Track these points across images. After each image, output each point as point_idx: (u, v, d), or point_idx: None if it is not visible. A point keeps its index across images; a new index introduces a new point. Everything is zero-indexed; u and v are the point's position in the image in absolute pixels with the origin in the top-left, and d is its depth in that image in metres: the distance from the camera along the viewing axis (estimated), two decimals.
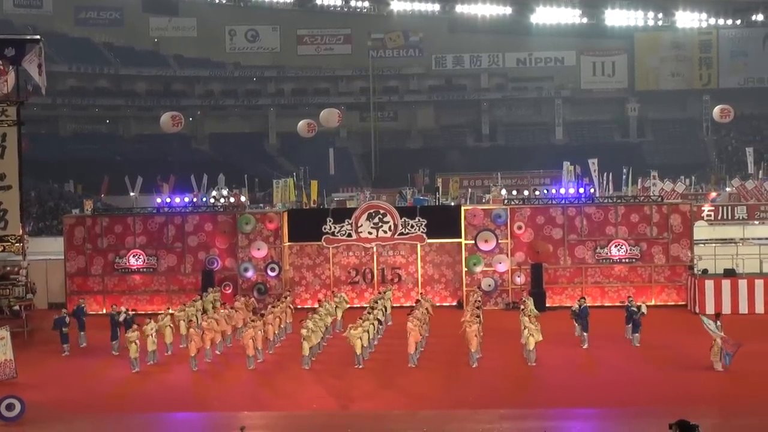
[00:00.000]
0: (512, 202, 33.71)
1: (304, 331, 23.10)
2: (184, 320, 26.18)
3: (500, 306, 32.70)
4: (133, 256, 33.79)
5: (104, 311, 31.32)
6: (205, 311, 28.35)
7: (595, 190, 37.96)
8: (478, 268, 32.77)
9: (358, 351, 22.92)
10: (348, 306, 29.16)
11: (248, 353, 23.17)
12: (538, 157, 63.18)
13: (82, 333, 27.37)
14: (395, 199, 38.05)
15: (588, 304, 26.33)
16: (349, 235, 33.23)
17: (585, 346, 24.78)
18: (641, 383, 21.38)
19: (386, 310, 28.27)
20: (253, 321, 24.33)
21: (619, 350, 24.84)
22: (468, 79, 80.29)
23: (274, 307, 27.29)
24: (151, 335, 24.22)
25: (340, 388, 21.32)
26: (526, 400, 20.39)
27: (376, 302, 27.62)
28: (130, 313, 26.44)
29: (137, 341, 23.48)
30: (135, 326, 24.35)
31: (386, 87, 79.71)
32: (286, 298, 29.46)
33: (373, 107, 76.50)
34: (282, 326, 27.09)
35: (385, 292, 30.29)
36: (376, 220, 33.18)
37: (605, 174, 42.88)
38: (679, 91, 78.10)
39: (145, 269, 33.79)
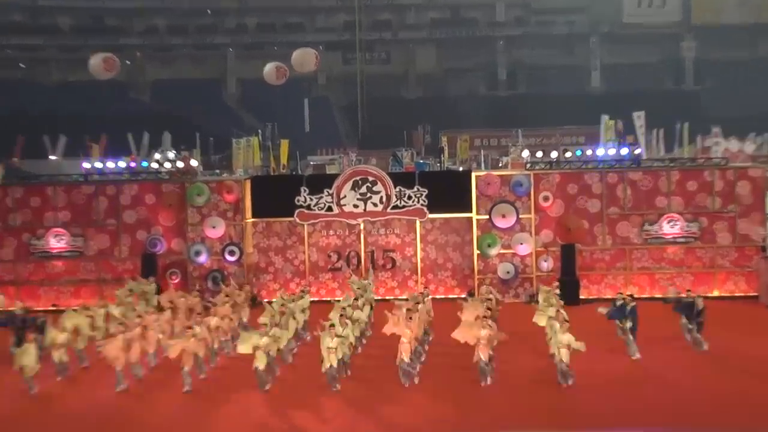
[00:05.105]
0: (537, 167, 33.51)
1: (261, 341, 22.10)
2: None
3: (522, 299, 32.60)
4: (54, 237, 33.66)
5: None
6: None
7: (641, 151, 37.63)
8: (494, 251, 32.63)
9: (329, 364, 21.83)
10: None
11: (183, 367, 22.29)
12: (569, 110, 62.87)
13: None
14: (388, 164, 37.73)
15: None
16: (330, 209, 33.13)
17: (636, 356, 24.25)
18: (704, 402, 20.86)
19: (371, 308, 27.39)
20: (190, 327, 23.34)
21: (674, 356, 24.43)
22: (479, 10, 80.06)
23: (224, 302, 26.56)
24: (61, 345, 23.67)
25: (306, 421, 20.50)
26: (553, 429, 19.85)
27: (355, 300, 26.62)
28: (37, 317, 25.68)
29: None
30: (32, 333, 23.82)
31: (376, 21, 79.40)
32: (241, 289, 28.85)
33: (359, 46, 76.02)
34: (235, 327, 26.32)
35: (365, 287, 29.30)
36: (364, 189, 33.07)
37: (654, 130, 42.68)
38: (747, 25, 77.78)
39: (69, 253, 33.66)
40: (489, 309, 24.14)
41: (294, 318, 25.30)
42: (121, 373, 22.48)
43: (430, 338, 25.45)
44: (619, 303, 24.93)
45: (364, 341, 25.78)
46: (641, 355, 24.09)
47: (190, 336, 22.63)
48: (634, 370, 23.54)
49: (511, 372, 23.03)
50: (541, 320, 24.28)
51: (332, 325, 22.17)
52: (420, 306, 24.83)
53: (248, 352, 22.10)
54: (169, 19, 79.11)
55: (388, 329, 23.63)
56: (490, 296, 26.89)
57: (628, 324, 24.44)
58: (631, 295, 25.45)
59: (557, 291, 27.02)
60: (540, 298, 26.63)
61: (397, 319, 23.49)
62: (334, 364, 21.70)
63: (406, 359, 21.91)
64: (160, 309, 27.43)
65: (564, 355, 21.59)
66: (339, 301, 25.61)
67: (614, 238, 32.78)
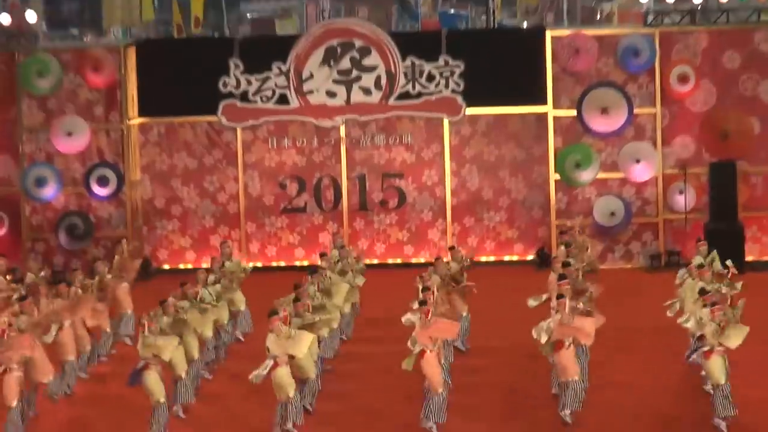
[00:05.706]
0: (665, 20, 33.52)
1: (145, 350, 21.51)
2: None
3: (640, 261, 33.03)
4: None
5: None
6: None
7: None
8: (587, 175, 32.77)
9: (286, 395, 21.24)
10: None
11: (8, 403, 21.83)
12: None
13: None
14: (390, 16, 37.47)
15: None
16: (283, 101, 33.34)
17: None
18: None
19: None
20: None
21: None
22: None
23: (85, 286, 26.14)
24: None
25: None
26: None
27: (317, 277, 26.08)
28: None
29: None
30: None
31: None
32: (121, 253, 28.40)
33: None
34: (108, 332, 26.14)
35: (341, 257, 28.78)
36: (346, 64, 33.35)
37: None
38: None
39: None
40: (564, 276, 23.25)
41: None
42: None
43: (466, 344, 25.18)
44: None
45: (343, 337, 25.86)
46: None
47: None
48: None
49: (614, 398, 22.66)
50: (689, 293, 23.58)
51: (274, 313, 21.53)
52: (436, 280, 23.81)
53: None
54: None
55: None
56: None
57: None
58: None
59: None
60: (696, 261, 25.77)
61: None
62: (291, 394, 21.05)
63: (438, 391, 21.27)
64: None
65: (718, 369, 20.84)
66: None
67: None
